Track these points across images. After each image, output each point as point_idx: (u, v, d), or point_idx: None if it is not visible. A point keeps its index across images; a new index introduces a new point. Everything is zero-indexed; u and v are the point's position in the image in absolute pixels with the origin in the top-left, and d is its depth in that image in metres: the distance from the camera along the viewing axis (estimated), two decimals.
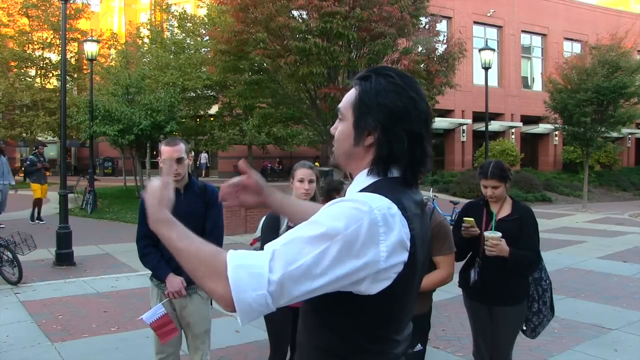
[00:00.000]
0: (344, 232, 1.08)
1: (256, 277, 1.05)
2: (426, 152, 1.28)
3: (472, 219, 3.08)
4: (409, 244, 1.16)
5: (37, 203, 12.62)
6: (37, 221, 12.49)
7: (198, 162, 27.48)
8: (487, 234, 3.02)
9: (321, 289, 1.10)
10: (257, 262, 1.07)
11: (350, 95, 1.30)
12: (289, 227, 3.05)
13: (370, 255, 1.10)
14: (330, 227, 1.09)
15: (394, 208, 1.15)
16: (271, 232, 3.05)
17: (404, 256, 1.15)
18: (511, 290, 3.11)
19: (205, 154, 28.42)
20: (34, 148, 14.18)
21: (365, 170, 1.28)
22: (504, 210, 3.19)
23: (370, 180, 1.26)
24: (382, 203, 1.14)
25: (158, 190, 1.34)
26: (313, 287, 1.09)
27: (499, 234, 3.00)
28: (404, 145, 1.23)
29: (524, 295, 3.14)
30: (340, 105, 1.32)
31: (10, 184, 11.64)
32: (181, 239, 1.16)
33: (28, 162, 12.11)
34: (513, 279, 3.09)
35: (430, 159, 1.30)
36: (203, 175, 27.95)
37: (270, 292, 1.05)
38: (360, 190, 1.23)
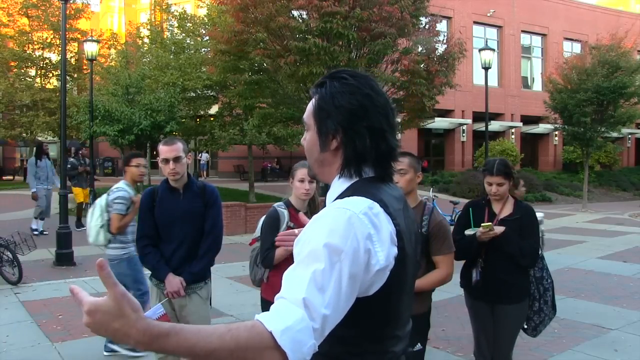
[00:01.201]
0: (345, 251, 1.09)
1: (303, 333, 1.03)
2: (391, 145, 1.29)
3: (490, 223, 3.10)
4: (396, 239, 1.19)
5: (80, 208, 11.94)
6: (82, 228, 11.05)
7: (199, 163, 27.40)
8: (483, 225, 3.07)
9: (349, 306, 1.12)
10: (296, 319, 1.03)
11: (311, 103, 1.33)
12: (289, 227, 3.06)
13: (373, 260, 1.13)
14: (332, 251, 1.09)
15: (376, 207, 1.17)
16: (271, 231, 3.05)
17: (394, 252, 1.18)
18: (513, 289, 3.12)
19: (206, 154, 28.30)
20: (74, 150, 13.06)
21: (338, 175, 1.30)
22: (506, 210, 3.21)
23: (344, 183, 1.28)
24: (363, 205, 1.16)
25: (108, 307, 1.01)
26: (344, 310, 1.11)
27: (490, 224, 3.07)
28: (366, 141, 1.25)
29: (526, 293, 3.15)
30: (304, 115, 1.35)
31: (56, 186, 10.77)
32: (200, 341, 0.99)
33: (69, 166, 11.12)
34: (514, 277, 3.11)
35: (396, 152, 1.31)
36: (205, 175, 27.87)
37: (316, 337, 1.05)
38: (338, 196, 1.25)
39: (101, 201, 4.31)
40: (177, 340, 0.98)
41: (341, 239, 1.10)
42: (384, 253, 1.15)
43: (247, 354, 0.99)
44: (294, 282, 1.08)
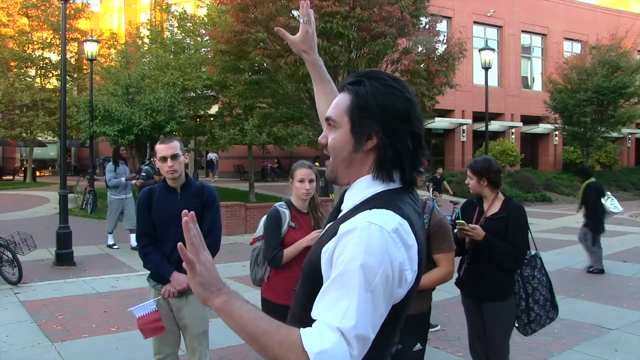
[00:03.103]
0: (380, 272, 1.09)
1: (338, 358, 1.04)
2: (425, 151, 1.29)
3: (463, 221, 3.17)
4: (417, 256, 1.19)
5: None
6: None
7: (207, 162, 26.84)
8: (457, 222, 3.16)
9: (381, 322, 1.14)
10: (333, 343, 1.05)
11: (343, 101, 1.27)
12: (290, 227, 3.05)
13: (403, 278, 1.14)
14: (367, 272, 1.09)
15: (405, 224, 1.16)
16: (273, 230, 3.05)
17: (415, 268, 1.19)
18: (496, 286, 3.16)
19: (215, 154, 27.02)
20: (148, 158, 11.47)
21: (369, 176, 1.27)
22: (493, 208, 3.25)
23: (372, 187, 1.25)
24: (394, 222, 1.15)
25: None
26: (378, 327, 1.12)
27: (464, 222, 3.16)
28: (408, 145, 1.24)
29: (508, 292, 3.17)
30: (331, 112, 1.29)
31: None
32: (249, 321, 1.11)
33: (144, 174, 9.85)
34: (497, 275, 3.14)
35: (426, 158, 1.32)
36: (212, 176, 27.38)
37: (355, 356, 1.06)
38: (364, 202, 1.22)
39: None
40: (238, 314, 1.12)
41: (377, 259, 1.09)
42: (412, 271, 1.16)
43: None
44: (330, 304, 1.09)
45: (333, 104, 1.30)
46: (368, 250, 1.09)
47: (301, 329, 1.08)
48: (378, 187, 1.25)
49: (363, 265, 1.08)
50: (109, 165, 9.71)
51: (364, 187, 1.26)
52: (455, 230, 3.17)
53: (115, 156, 9.90)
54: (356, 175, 1.29)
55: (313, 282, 1.21)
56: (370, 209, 1.17)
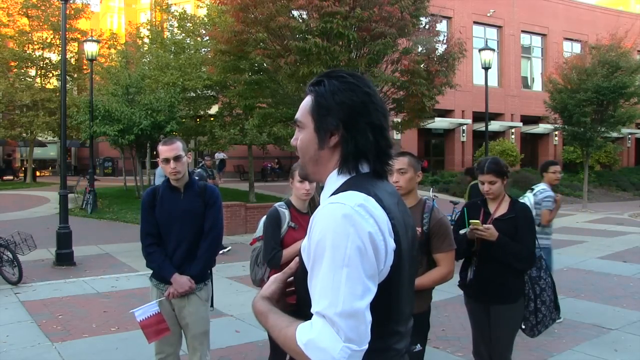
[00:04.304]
0: (347, 244, 1.11)
1: (327, 341, 1.08)
2: (389, 142, 1.32)
3: (478, 220, 3.09)
4: (393, 232, 1.21)
5: None
6: (224, 250, 9.19)
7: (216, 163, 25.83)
8: (471, 222, 3.07)
9: (372, 289, 1.14)
10: (318, 331, 1.10)
11: (306, 102, 1.33)
12: (290, 227, 3.06)
13: (379, 247, 1.16)
14: (335, 249, 1.11)
15: (371, 200, 1.19)
16: (273, 230, 3.05)
17: (392, 244, 1.20)
18: (507, 289, 3.12)
19: (223, 154, 25.48)
20: (202, 159, 10.84)
21: (335, 171, 1.31)
22: (501, 209, 3.20)
23: (341, 179, 1.29)
24: (358, 198, 1.18)
25: (269, 283, 1.37)
26: (369, 299, 1.13)
27: (478, 221, 3.07)
28: (369, 138, 1.27)
29: (520, 293, 3.14)
30: (297, 114, 1.35)
31: None
32: (273, 328, 1.24)
33: (197, 177, 9.72)
34: (508, 277, 3.10)
35: (392, 149, 1.34)
36: (219, 178, 26.13)
37: (347, 339, 1.08)
38: (334, 192, 1.26)
39: (530, 200, 5.39)
40: (263, 318, 1.28)
41: (342, 234, 1.12)
42: (388, 243, 1.18)
43: (291, 352, 1.17)
44: (313, 292, 1.14)
45: (300, 106, 1.36)
46: (331, 228, 1.13)
47: (300, 323, 1.14)
48: (346, 177, 1.29)
49: (329, 243, 1.12)
50: (159, 170, 8.79)
51: (332, 181, 1.31)
52: (465, 231, 3.11)
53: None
54: (325, 172, 1.33)
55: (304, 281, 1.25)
56: (336, 194, 1.22)
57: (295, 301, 1.35)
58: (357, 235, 1.12)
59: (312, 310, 1.13)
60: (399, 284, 1.25)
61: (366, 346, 1.11)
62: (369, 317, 1.12)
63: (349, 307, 1.08)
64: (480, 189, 3.23)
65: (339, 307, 1.08)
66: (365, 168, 1.29)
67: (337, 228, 1.12)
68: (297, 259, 1.32)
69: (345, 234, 1.11)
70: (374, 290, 1.14)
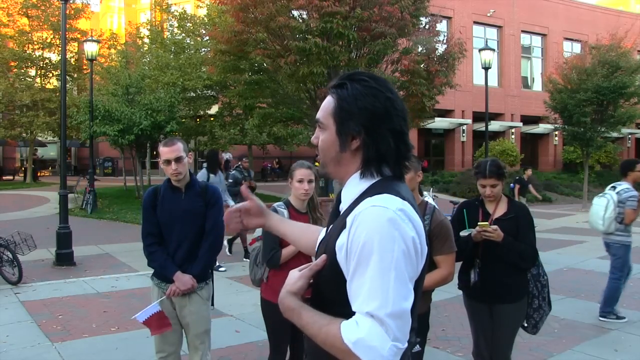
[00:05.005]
0: (394, 248, 1.16)
1: (376, 340, 1.13)
2: (409, 147, 1.34)
3: (486, 222, 3.08)
4: (424, 234, 1.28)
5: (244, 236, 9.01)
6: (245, 259, 8.64)
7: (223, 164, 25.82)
8: (479, 223, 3.07)
9: (413, 297, 1.21)
10: (367, 329, 1.14)
11: (328, 103, 1.34)
12: None
13: (419, 250, 1.22)
14: (383, 251, 1.15)
15: (407, 204, 1.23)
16: None
17: (426, 247, 1.28)
18: (511, 288, 3.12)
19: (229, 153, 25.05)
20: (238, 161, 10.09)
21: (357, 174, 1.33)
22: (500, 209, 3.20)
23: (365, 182, 1.31)
24: (397, 202, 1.22)
25: (294, 279, 1.36)
26: (412, 300, 1.19)
27: (487, 223, 3.07)
28: (390, 143, 1.29)
29: (524, 292, 3.15)
30: (319, 115, 1.36)
31: (227, 204, 7.36)
32: (310, 325, 1.26)
33: (231, 180, 8.79)
34: (512, 276, 3.10)
35: (411, 152, 1.37)
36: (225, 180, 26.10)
37: (396, 338, 1.14)
38: (364, 193, 1.27)
39: (613, 198, 5.34)
40: (296, 316, 1.29)
41: (388, 238, 1.16)
42: (425, 246, 1.25)
43: (333, 350, 1.19)
44: (357, 292, 1.17)
45: (321, 106, 1.37)
46: (377, 231, 1.17)
47: (342, 321, 1.18)
48: (371, 180, 1.31)
49: (376, 247, 1.15)
50: (202, 173, 7.97)
51: (356, 183, 1.33)
52: (468, 232, 3.09)
53: (212, 162, 8.16)
54: (346, 172, 1.36)
55: (331, 282, 1.28)
56: (371, 196, 1.24)
57: (310, 295, 1.38)
58: (402, 239, 1.17)
59: (357, 310, 1.16)
60: (422, 281, 1.31)
61: (407, 344, 1.17)
62: (410, 317, 1.18)
63: (398, 308, 1.14)
64: (481, 192, 3.22)
65: (389, 308, 1.13)
66: (387, 171, 1.32)
67: (383, 231, 1.16)
68: (323, 256, 1.33)
69: (392, 237, 1.16)
70: (413, 291, 1.20)
